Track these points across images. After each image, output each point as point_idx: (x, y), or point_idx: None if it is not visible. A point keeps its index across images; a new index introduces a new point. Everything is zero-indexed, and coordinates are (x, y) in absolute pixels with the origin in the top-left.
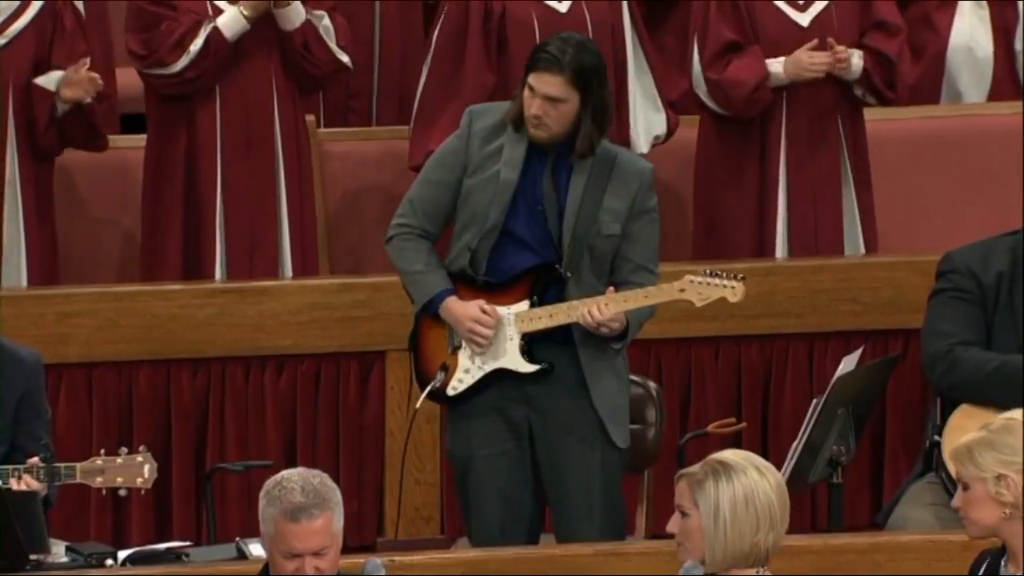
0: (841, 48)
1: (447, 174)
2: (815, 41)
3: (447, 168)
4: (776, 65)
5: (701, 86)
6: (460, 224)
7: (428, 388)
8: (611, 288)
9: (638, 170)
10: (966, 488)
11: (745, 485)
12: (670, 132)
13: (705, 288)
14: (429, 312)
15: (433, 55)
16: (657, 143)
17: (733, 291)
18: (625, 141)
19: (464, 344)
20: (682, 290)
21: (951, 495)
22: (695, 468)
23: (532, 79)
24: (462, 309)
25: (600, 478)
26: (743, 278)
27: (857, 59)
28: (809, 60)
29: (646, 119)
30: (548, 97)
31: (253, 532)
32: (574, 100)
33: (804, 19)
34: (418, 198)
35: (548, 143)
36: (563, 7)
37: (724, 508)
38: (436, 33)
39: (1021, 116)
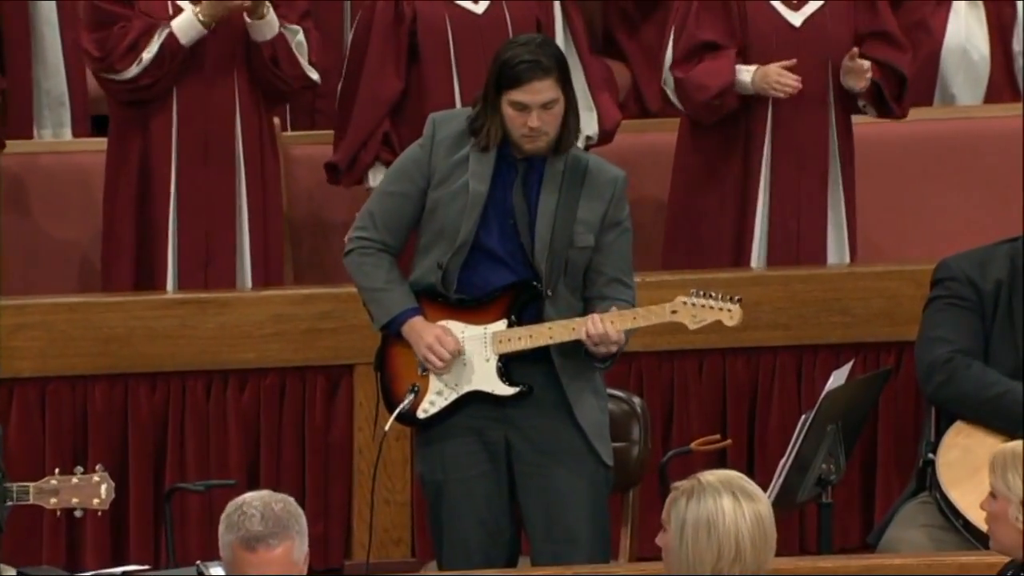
0: (865, 63)
1: (409, 185)
2: (793, 60)
3: (409, 179)
4: (745, 73)
5: (668, 82)
6: (427, 239)
7: (397, 411)
8: (605, 309)
9: (611, 178)
10: (994, 497)
11: (710, 510)
12: (605, 132)
13: (700, 311)
14: (391, 331)
15: (347, 59)
16: (589, 143)
17: (730, 314)
18: None
19: None
20: (674, 312)
21: (945, 515)
22: (681, 482)
23: (520, 95)
24: (422, 329)
25: (588, 499)
26: (739, 300)
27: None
28: (777, 76)
29: None
30: (544, 104)
31: (214, 555)
32: (561, 98)
33: (797, 19)
34: (378, 210)
35: (547, 151)
36: (479, 8)
37: (688, 529)
38: (351, 35)
39: (1020, 119)
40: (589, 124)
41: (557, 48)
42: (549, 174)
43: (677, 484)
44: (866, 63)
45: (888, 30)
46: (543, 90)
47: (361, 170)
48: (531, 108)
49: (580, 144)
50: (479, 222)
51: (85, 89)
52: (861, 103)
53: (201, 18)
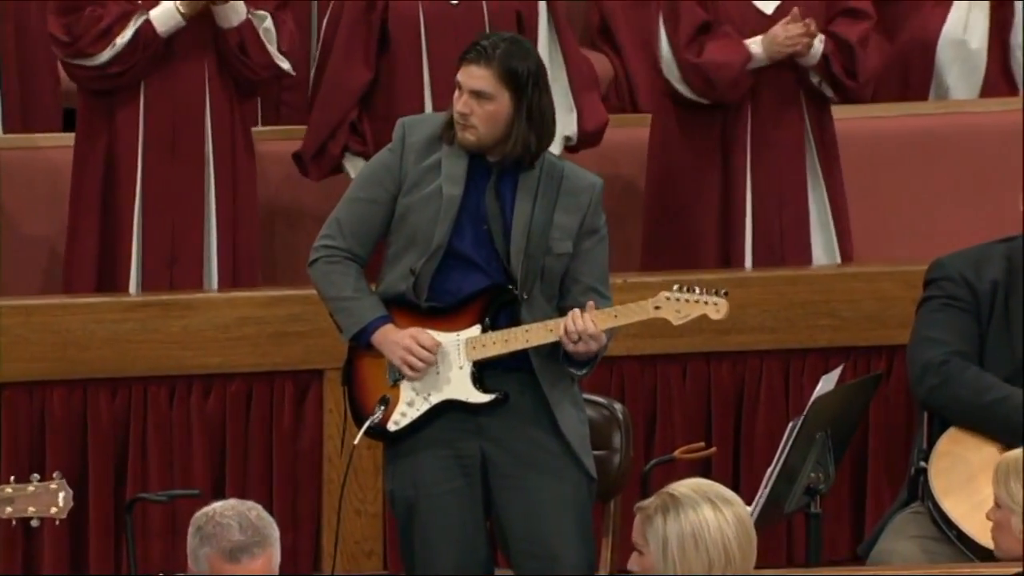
0: (810, 20)
1: (379, 191)
2: (790, 15)
3: (379, 185)
4: (755, 46)
5: (673, 71)
6: (397, 247)
7: (367, 424)
8: (577, 311)
9: (588, 185)
10: (998, 507)
11: (694, 522)
12: (586, 133)
13: (684, 305)
14: (360, 342)
15: (319, 49)
16: (569, 144)
17: (716, 308)
18: None
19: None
20: (657, 307)
21: (938, 526)
22: (648, 501)
23: (460, 74)
24: (396, 335)
25: (573, 512)
26: (726, 293)
27: (818, 43)
28: (784, 34)
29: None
30: (474, 92)
31: (177, 566)
32: (503, 99)
33: (768, 7)
34: (346, 218)
35: (476, 148)
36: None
37: (672, 546)
38: (323, 24)
39: (1018, 113)
40: (568, 125)
41: (530, 57)
42: (523, 179)
43: (643, 504)
44: (792, 29)
45: (849, 6)
46: (476, 76)
47: (330, 160)
48: (463, 90)
49: (559, 146)
50: (452, 227)
51: (16, 87)
52: (816, 79)
53: (182, 10)
